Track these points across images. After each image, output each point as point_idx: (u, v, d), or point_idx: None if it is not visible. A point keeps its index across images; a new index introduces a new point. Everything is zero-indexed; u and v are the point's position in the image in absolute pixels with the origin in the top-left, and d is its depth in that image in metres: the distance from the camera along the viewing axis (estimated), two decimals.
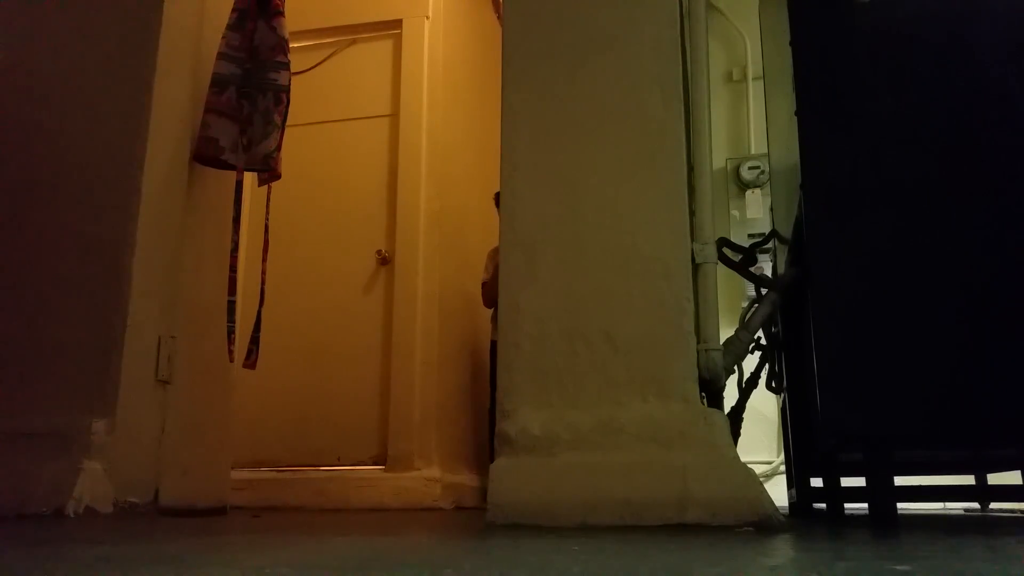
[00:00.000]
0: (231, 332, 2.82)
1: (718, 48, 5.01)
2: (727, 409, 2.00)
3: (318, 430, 3.90)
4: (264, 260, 3.06)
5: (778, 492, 2.89)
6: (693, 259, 1.96)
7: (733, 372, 2.10)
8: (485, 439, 4.17)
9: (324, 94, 4.28)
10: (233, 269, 2.86)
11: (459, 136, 4.43)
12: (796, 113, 2.00)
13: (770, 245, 2.82)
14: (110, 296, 2.40)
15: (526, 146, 2.06)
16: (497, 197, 4.05)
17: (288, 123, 2.92)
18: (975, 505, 3.32)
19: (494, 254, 4.20)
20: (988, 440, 1.89)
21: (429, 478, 3.70)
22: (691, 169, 2.06)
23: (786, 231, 2.36)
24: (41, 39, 2.67)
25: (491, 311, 4.22)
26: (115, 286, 2.40)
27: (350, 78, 4.33)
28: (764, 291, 2.26)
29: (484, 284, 4.23)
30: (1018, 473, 2.37)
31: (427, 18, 4.25)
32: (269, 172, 2.94)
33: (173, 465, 2.53)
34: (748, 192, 4.74)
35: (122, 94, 2.56)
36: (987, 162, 1.85)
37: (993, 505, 3.18)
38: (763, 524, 1.66)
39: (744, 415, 2.18)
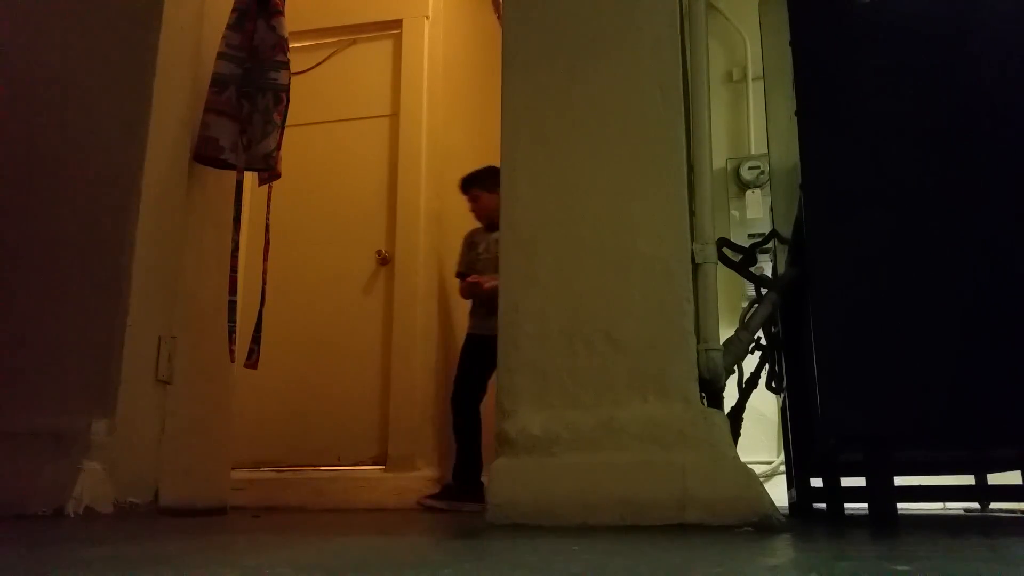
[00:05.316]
0: (231, 332, 2.82)
1: (718, 48, 5.01)
2: (727, 409, 2.00)
3: (318, 430, 3.90)
4: (265, 260, 3.06)
5: (778, 492, 2.89)
6: (693, 259, 1.96)
7: (733, 372, 2.10)
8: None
9: (324, 94, 4.28)
10: (233, 269, 2.86)
11: (459, 136, 4.43)
12: (796, 113, 1.99)
13: (770, 245, 2.82)
14: (110, 296, 2.39)
15: (526, 146, 2.06)
16: (462, 183, 3.85)
17: (288, 123, 2.92)
18: (975, 505, 3.32)
19: (468, 239, 3.91)
20: (988, 440, 1.89)
21: (429, 478, 3.70)
22: (691, 169, 2.06)
23: (786, 231, 2.36)
24: (41, 39, 2.67)
25: (470, 304, 3.89)
26: (115, 286, 2.40)
27: (350, 78, 4.33)
28: (764, 291, 2.26)
29: (458, 275, 3.90)
30: (1018, 473, 2.36)
31: (427, 18, 4.26)
32: (269, 172, 2.94)
33: (173, 465, 2.53)
34: (748, 192, 4.73)
35: (122, 94, 2.56)
36: (987, 162, 1.85)
37: (993, 505, 3.18)
38: (763, 524, 1.66)
39: (744, 415, 2.18)
